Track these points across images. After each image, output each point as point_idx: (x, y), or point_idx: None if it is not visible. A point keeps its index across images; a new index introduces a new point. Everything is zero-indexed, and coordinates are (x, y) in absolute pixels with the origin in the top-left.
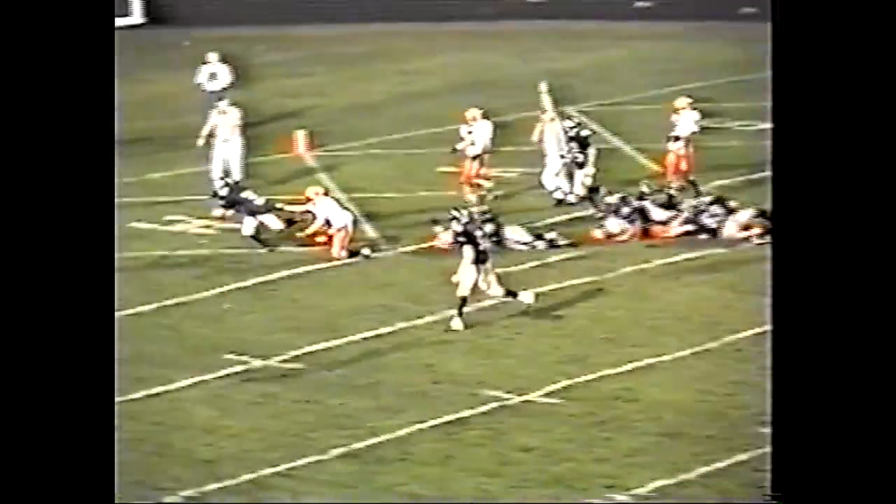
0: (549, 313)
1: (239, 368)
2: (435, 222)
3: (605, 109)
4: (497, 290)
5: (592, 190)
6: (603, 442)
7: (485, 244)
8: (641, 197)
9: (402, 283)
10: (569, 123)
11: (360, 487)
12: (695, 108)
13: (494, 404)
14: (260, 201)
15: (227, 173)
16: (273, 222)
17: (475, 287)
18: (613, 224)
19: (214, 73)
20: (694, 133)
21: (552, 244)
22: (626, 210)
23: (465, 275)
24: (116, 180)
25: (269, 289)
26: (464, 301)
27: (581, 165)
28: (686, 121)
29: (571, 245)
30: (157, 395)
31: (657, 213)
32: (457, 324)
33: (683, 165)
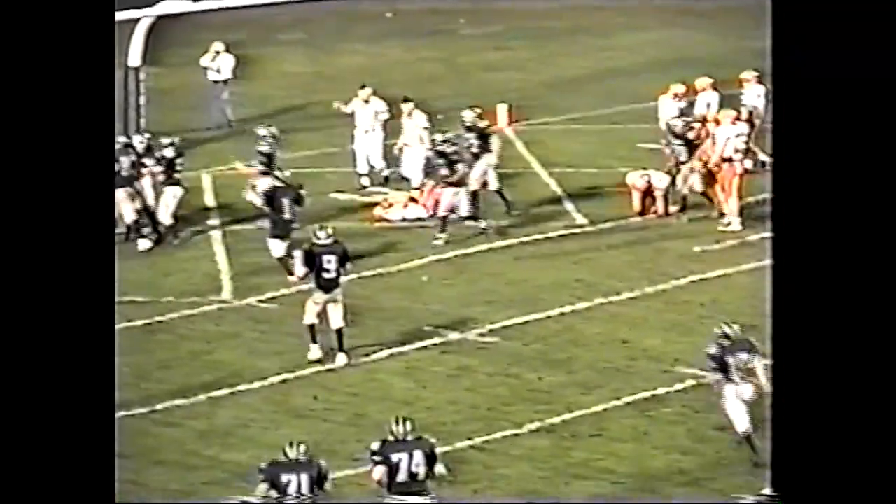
0: (745, 291)
1: (436, 341)
2: None
3: None
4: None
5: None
6: None
7: None
8: None
9: (600, 258)
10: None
11: (554, 462)
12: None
13: (691, 382)
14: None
15: (372, 167)
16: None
17: None
18: None
19: (217, 63)
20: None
21: None
22: None
23: None
24: (317, 150)
25: (467, 262)
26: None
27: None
28: (704, 101)
29: None
30: (354, 366)
31: None
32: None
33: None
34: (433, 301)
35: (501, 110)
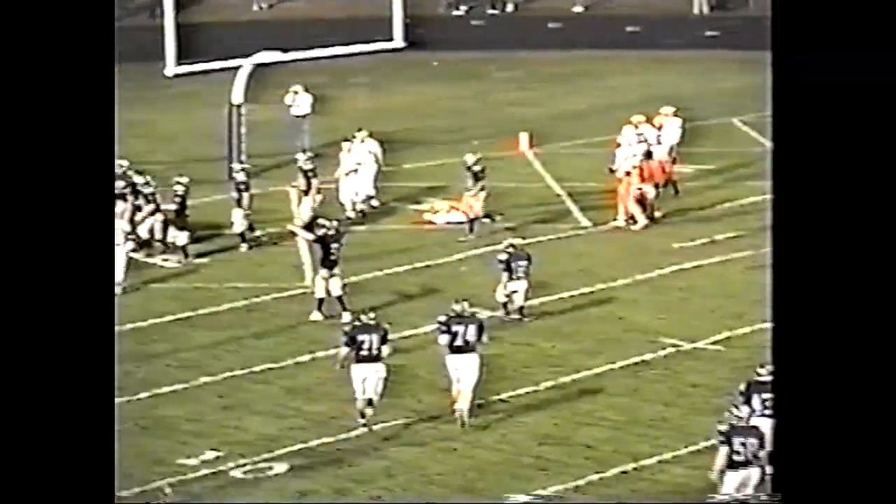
0: (715, 279)
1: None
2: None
3: (763, 118)
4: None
5: None
6: None
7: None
8: None
9: (600, 253)
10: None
11: (564, 412)
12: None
13: (671, 350)
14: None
15: (368, 195)
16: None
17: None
18: None
19: (297, 101)
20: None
21: None
22: None
23: None
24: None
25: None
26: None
27: None
28: (672, 130)
29: None
30: (407, 337)
31: None
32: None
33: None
34: (470, 286)
35: (523, 137)
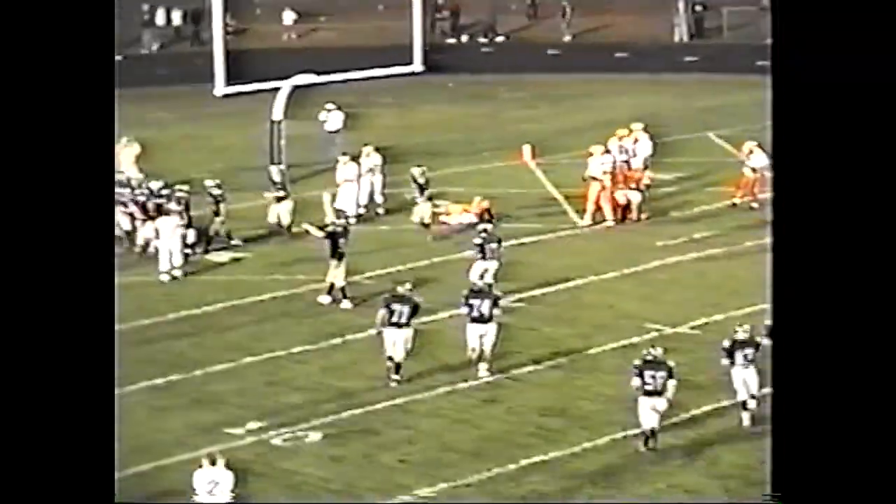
0: (693, 272)
1: None
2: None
3: (736, 133)
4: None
5: None
6: None
7: None
8: None
9: (593, 249)
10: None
11: (564, 388)
12: (647, 132)
13: (655, 334)
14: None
15: (371, 200)
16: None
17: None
18: None
19: (329, 118)
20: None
21: None
22: None
23: None
24: (399, 177)
25: (502, 253)
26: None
27: None
28: (644, 143)
29: None
30: (429, 322)
31: None
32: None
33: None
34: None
35: (526, 149)
